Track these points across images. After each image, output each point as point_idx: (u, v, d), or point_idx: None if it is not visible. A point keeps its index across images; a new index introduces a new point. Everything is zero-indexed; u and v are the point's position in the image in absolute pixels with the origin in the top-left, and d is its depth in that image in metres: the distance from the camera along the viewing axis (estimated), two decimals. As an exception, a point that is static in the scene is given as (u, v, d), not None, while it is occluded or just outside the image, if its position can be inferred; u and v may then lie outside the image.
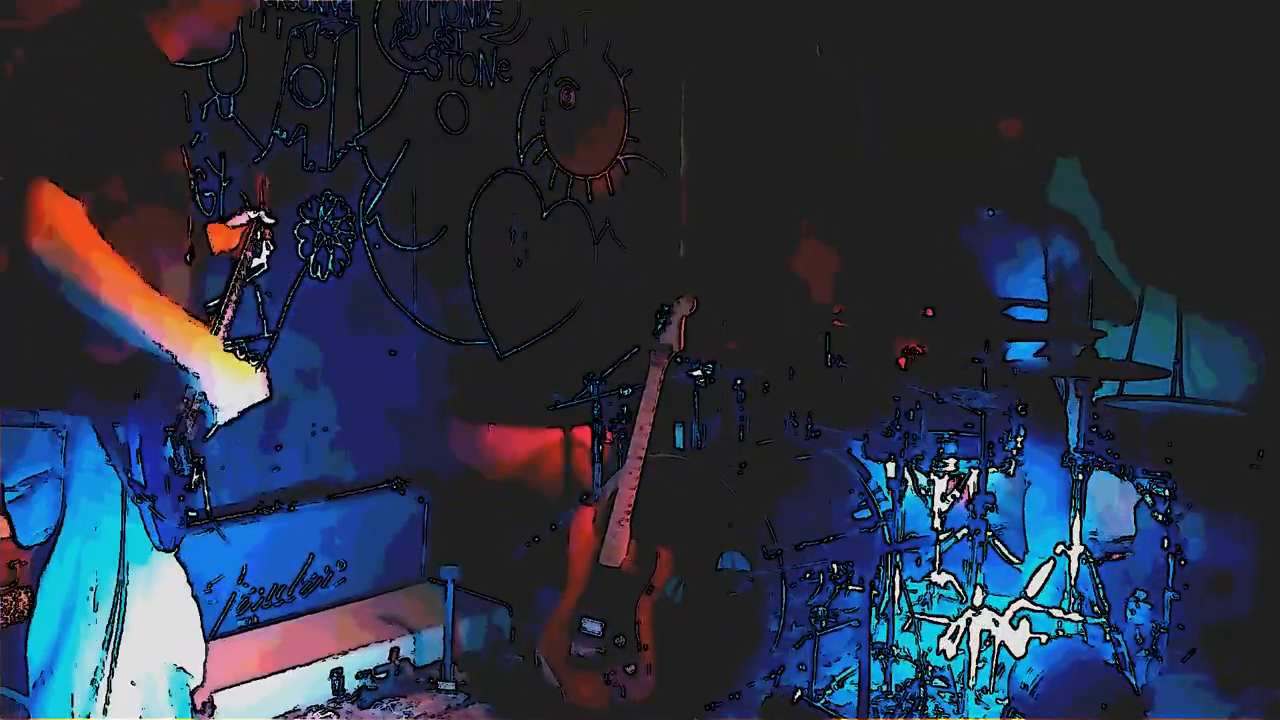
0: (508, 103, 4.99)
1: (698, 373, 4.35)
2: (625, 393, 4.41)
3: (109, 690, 2.31)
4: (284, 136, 4.18)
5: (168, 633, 2.47)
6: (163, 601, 2.45)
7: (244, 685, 3.65)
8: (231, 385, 2.32)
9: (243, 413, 2.38)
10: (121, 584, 2.31)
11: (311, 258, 4.33)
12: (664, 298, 3.95)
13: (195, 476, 2.36)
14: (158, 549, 2.32)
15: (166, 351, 2.24)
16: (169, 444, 2.28)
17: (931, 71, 5.16)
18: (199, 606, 2.56)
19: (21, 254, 2.14)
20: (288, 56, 4.20)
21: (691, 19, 5.48)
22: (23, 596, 2.97)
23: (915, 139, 5.14)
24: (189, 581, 2.54)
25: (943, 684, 3.90)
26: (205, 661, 2.56)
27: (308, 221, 4.30)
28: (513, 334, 5.11)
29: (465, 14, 4.73)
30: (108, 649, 2.31)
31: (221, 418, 2.37)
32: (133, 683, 2.38)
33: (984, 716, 3.79)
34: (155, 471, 2.26)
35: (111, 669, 2.31)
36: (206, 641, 2.57)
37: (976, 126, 4.90)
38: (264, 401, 2.41)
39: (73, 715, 2.30)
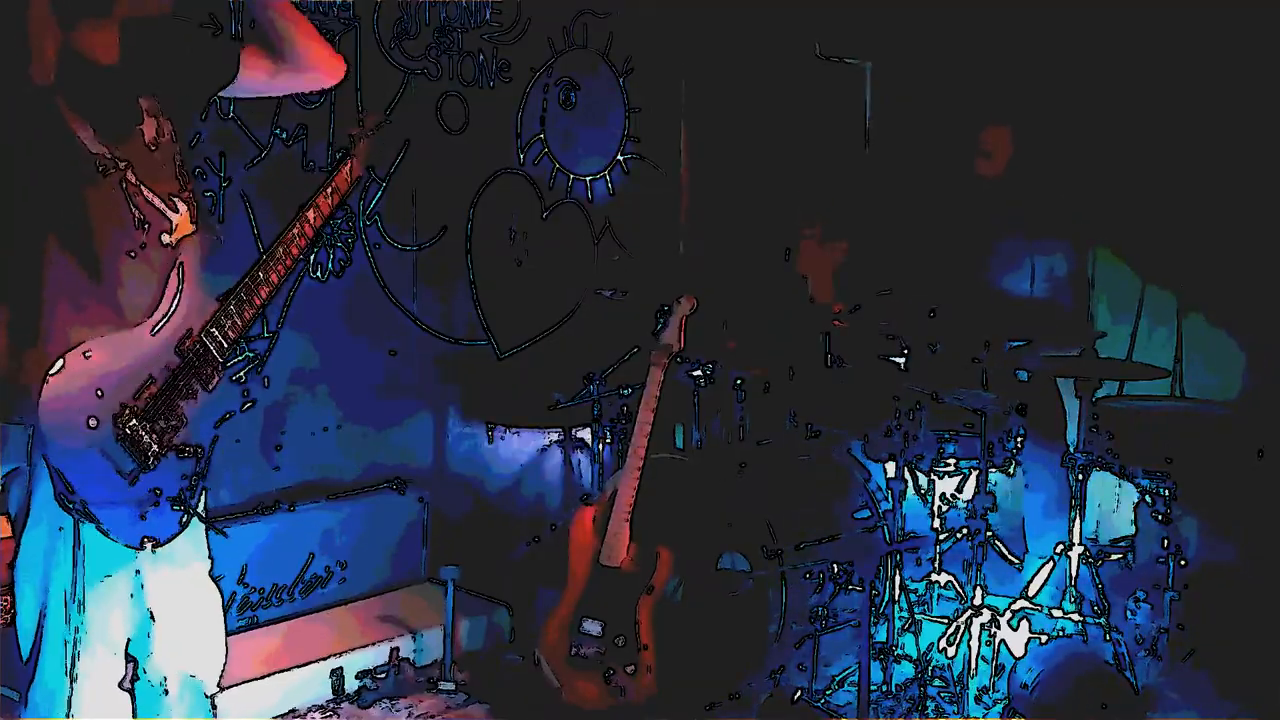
0: (508, 103, 5.00)
1: (698, 373, 4.35)
2: (625, 393, 4.41)
3: (71, 689, 2.30)
4: (284, 136, 4.18)
5: (183, 640, 2.48)
6: (180, 608, 2.46)
7: (244, 685, 3.65)
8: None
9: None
10: (78, 584, 2.28)
11: (312, 258, 4.33)
12: (664, 298, 3.95)
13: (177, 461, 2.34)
14: (132, 548, 2.30)
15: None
16: (121, 434, 2.24)
17: (931, 70, 5.17)
18: (224, 614, 2.58)
19: None
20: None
21: (692, 18, 5.49)
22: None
23: (916, 137, 5.15)
24: (220, 590, 2.57)
25: (942, 684, 3.90)
26: (223, 671, 2.57)
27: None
28: (513, 334, 5.11)
29: (465, 14, 4.73)
30: (74, 649, 2.30)
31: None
32: (154, 685, 2.40)
33: (984, 716, 3.79)
34: (92, 471, 2.21)
35: (74, 669, 2.30)
36: (227, 651, 2.58)
37: (974, 128, 4.90)
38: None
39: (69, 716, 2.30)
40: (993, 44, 5.11)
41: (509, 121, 5.02)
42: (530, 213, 5.14)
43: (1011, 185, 4.73)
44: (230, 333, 2.45)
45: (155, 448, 2.29)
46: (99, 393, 2.23)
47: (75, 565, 2.26)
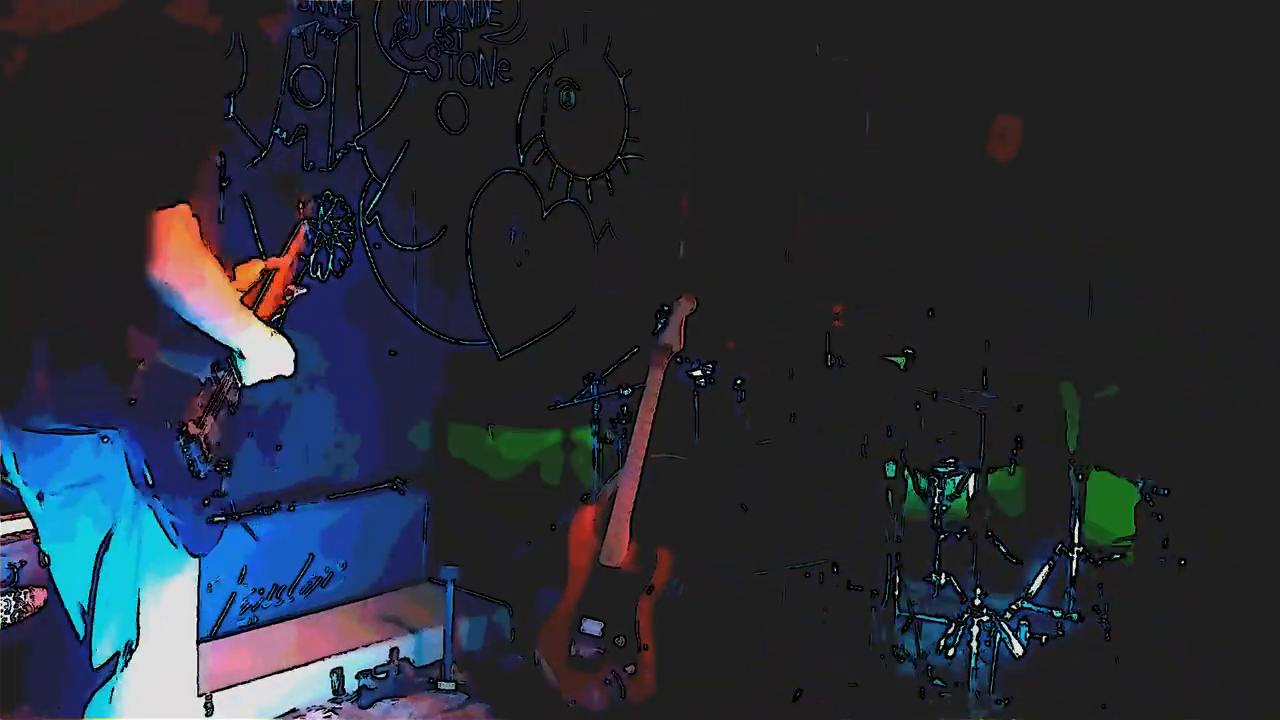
0: (508, 103, 4.99)
1: (698, 373, 4.36)
2: (625, 393, 4.41)
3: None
4: (284, 136, 4.18)
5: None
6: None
7: (244, 685, 3.66)
8: (269, 359, 2.42)
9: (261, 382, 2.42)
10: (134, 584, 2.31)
11: (311, 258, 4.32)
12: (664, 298, 3.96)
13: (216, 475, 2.35)
14: (190, 553, 2.32)
15: (224, 333, 2.31)
16: (185, 442, 2.26)
17: (931, 69, 5.17)
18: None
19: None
20: (288, 56, 4.19)
21: (692, 18, 5.49)
22: (23, 598, 2.98)
23: (916, 136, 5.15)
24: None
25: (942, 684, 3.90)
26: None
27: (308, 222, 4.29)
28: (513, 334, 5.11)
29: (465, 14, 4.73)
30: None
31: (249, 380, 2.43)
32: None
33: (984, 717, 3.79)
34: (170, 472, 2.24)
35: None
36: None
37: (975, 127, 4.90)
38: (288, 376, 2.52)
39: None
40: (996, 38, 5.11)
41: (509, 121, 5.02)
42: (530, 213, 5.14)
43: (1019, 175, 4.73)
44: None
45: (208, 458, 2.32)
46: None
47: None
